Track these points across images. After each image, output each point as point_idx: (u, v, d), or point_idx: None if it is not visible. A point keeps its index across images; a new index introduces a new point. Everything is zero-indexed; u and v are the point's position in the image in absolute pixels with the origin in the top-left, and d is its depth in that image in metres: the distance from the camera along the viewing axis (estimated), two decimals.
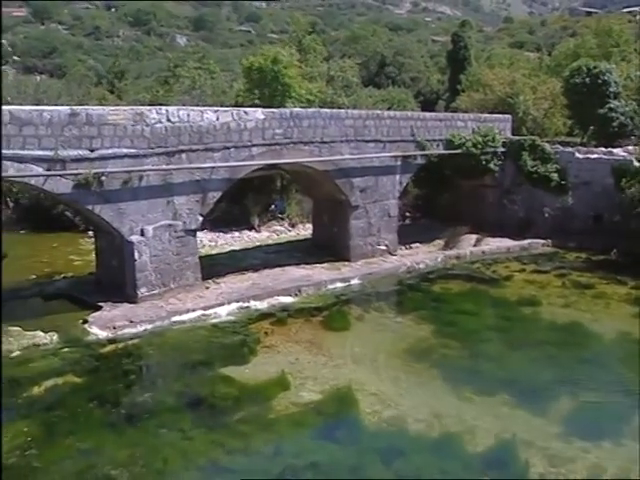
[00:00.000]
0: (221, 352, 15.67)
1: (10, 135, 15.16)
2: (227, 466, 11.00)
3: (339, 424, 12.62)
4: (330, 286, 20.37)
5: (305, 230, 28.07)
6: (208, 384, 13.91)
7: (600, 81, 30.08)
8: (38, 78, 56.86)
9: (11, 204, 30.98)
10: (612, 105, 29.76)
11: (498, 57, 51.39)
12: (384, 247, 23.75)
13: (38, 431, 11.88)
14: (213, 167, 18.92)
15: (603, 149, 27.05)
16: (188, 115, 18.44)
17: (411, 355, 15.54)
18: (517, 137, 28.36)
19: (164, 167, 17.97)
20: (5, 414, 12.74)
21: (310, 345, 15.99)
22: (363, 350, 15.77)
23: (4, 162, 15.09)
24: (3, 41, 21.77)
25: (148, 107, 19.80)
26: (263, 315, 17.90)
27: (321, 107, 26.87)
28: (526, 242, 25.97)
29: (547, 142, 27.96)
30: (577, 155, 26.60)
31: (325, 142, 21.49)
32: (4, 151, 15.03)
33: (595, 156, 26.38)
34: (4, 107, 15.73)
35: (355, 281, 21.04)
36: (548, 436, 11.78)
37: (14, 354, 14.80)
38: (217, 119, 19.00)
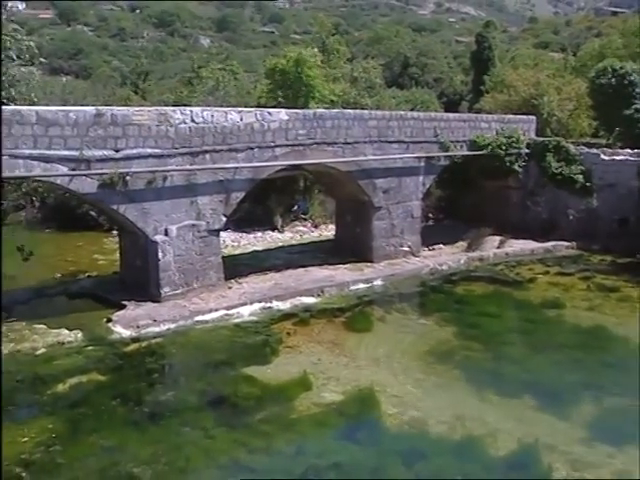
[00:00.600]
0: (243, 352, 15.71)
1: (37, 135, 15.35)
2: (249, 465, 11.01)
3: (361, 425, 12.60)
4: (353, 287, 20.36)
5: (328, 231, 28.07)
6: (230, 383, 13.96)
7: (626, 82, 29.79)
8: (64, 79, 57.56)
9: (37, 203, 31.33)
10: (638, 106, 29.43)
11: (522, 58, 50.95)
12: (407, 248, 23.68)
13: (62, 428, 12.00)
14: (236, 167, 18.99)
15: (629, 151, 26.68)
16: (212, 116, 18.52)
17: (433, 357, 15.47)
18: (541, 138, 28.11)
19: (188, 167, 18.08)
20: (30, 411, 13.01)
21: (332, 346, 15.99)
22: (385, 351, 15.74)
23: (31, 162, 15.29)
24: (30, 43, 22.12)
25: (172, 108, 19.96)
26: (285, 315, 17.92)
27: (344, 108, 26.85)
28: (550, 244, 25.75)
29: (572, 143, 27.70)
30: (602, 157, 26.31)
31: (348, 143, 21.48)
32: (31, 151, 15.23)
33: (621, 158, 26.08)
34: (31, 108, 15.95)
35: (378, 282, 21.00)
36: (571, 440, 11.66)
37: (39, 351, 14.97)
38: (241, 120, 19.07)
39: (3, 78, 17.05)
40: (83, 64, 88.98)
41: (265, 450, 11.45)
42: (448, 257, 23.97)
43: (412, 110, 33.06)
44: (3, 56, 17.01)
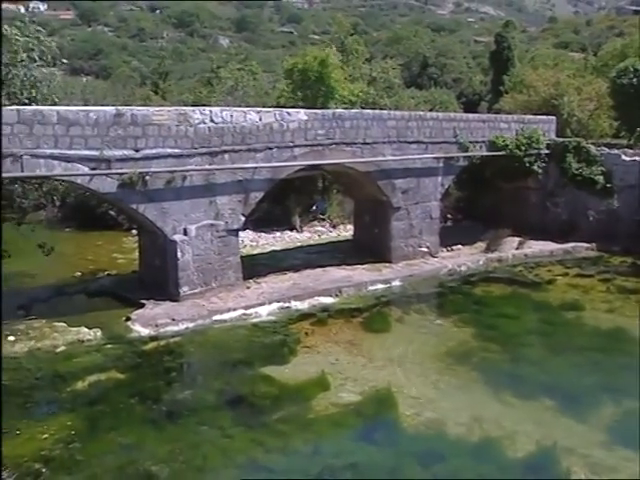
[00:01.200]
0: (261, 351, 15.73)
1: (58, 135, 15.51)
2: (266, 465, 11.04)
3: (378, 426, 12.59)
4: (371, 287, 20.33)
5: (346, 231, 28.06)
6: (248, 383, 14.00)
7: None
8: (84, 79, 58.06)
9: (57, 203, 31.58)
10: None
11: (542, 58, 50.54)
12: (425, 249, 23.61)
13: (81, 425, 12.09)
14: (255, 167, 19.03)
15: None
16: (231, 116, 18.58)
17: (451, 358, 15.40)
18: (561, 139, 27.88)
19: (207, 167, 18.15)
20: (49, 408, 13.19)
21: (350, 346, 15.98)
22: (403, 352, 15.69)
23: (52, 161, 15.45)
24: (52, 43, 22.46)
25: (192, 108, 20.05)
26: (303, 315, 17.93)
27: (363, 108, 26.82)
28: (570, 245, 25.52)
29: (592, 144, 27.45)
30: (623, 157, 26.06)
31: (367, 143, 21.45)
32: (52, 150, 15.40)
33: None
34: (52, 108, 16.10)
35: (396, 283, 20.97)
36: (590, 443, 11.56)
37: (59, 349, 15.12)
38: (260, 120, 19.11)
39: (24, 79, 17.25)
40: (103, 64, 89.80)
41: (282, 450, 11.47)
42: (467, 258, 23.87)
43: (431, 110, 32.98)
44: (25, 56, 17.18)
